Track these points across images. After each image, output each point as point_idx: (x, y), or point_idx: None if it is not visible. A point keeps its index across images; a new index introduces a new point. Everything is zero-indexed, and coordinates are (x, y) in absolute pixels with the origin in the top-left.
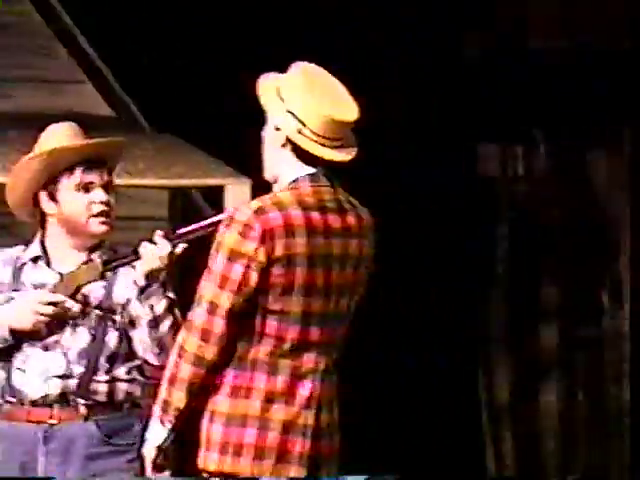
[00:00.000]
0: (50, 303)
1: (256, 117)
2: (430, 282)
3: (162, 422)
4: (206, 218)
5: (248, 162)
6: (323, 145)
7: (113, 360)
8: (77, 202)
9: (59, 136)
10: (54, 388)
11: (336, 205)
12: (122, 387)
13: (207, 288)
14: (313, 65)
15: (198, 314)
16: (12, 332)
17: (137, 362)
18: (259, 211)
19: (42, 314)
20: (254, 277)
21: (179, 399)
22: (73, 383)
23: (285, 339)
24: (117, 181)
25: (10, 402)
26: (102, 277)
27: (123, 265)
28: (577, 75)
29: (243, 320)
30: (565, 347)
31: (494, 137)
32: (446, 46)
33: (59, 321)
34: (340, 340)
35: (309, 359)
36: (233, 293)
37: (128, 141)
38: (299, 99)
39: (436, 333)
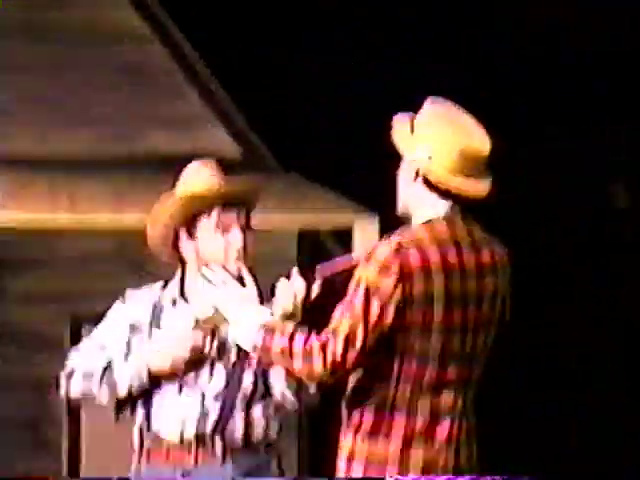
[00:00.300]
0: (188, 344)
1: (385, 155)
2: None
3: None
4: (334, 257)
5: (375, 199)
6: (455, 176)
7: (249, 401)
8: (215, 242)
9: (198, 176)
10: (191, 429)
11: (471, 242)
12: (258, 427)
13: (344, 321)
14: (443, 100)
15: (333, 344)
16: (151, 373)
17: (272, 401)
18: (398, 248)
19: (181, 356)
20: (391, 314)
21: (269, 363)
22: (210, 424)
23: (423, 379)
24: None
25: (149, 443)
26: None
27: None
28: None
29: (382, 361)
30: None
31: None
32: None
33: (196, 362)
34: (477, 377)
35: (447, 398)
36: (369, 328)
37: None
38: (430, 131)
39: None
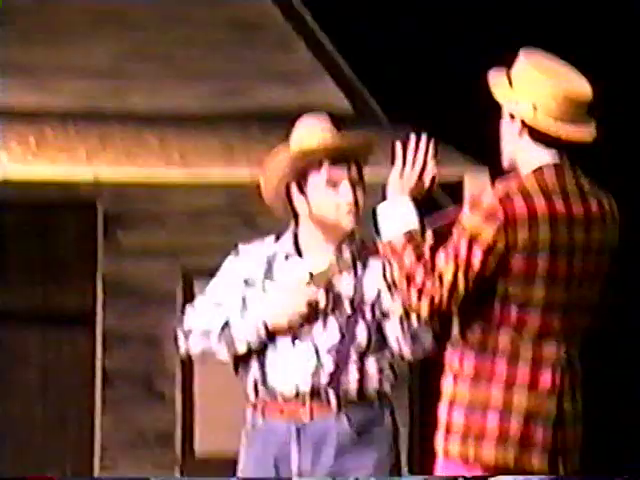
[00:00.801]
0: (303, 299)
1: (492, 109)
2: None
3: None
4: (444, 209)
5: (487, 151)
6: (562, 123)
7: (363, 354)
8: (326, 197)
9: (309, 130)
10: (305, 383)
11: (579, 191)
12: (372, 382)
13: (448, 268)
14: (540, 51)
15: (439, 292)
16: (268, 329)
17: (387, 356)
18: (504, 196)
19: (296, 309)
20: (492, 263)
21: (392, 262)
22: (324, 377)
23: (526, 327)
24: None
25: (263, 397)
26: (352, 270)
27: (372, 257)
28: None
29: (484, 306)
30: None
31: None
32: None
33: (311, 316)
34: (582, 330)
35: (550, 348)
36: (472, 275)
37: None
38: (530, 82)
39: None
